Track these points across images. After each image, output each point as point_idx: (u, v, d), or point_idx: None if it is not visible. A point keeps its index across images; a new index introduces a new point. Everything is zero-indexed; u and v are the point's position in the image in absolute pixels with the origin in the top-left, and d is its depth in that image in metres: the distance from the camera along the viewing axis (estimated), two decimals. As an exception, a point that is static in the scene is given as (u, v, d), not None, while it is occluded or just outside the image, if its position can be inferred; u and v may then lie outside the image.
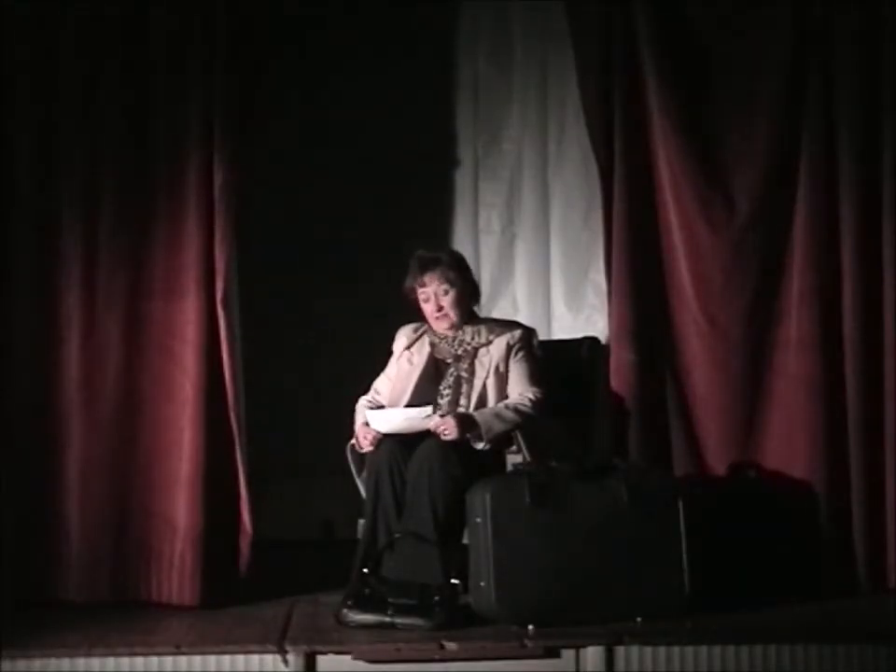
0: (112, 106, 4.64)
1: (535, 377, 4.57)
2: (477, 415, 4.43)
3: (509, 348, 4.58)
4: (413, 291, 4.64)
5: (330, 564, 4.83)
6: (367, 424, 4.49)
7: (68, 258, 4.61)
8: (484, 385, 4.55)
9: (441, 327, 4.64)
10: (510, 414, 4.45)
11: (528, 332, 4.68)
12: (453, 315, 4.61)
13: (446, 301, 4.60)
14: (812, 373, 4.71)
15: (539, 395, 4.51)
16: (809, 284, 4.72)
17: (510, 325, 4.70)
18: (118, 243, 4.62)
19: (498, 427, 4.42)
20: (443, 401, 4.54)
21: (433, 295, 4.61)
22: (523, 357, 4.59)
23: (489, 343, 4.60)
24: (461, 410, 4.48)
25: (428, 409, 4.47)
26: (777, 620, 4.27)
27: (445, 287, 4.60)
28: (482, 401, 4.52)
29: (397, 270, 4.75)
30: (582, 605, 4.13)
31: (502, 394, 4.55)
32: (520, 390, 4.54)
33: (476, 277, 4.78)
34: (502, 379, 4.57)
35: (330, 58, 5.62)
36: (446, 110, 5.73)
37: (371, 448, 4.43)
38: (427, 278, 4.60)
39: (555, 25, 5.26)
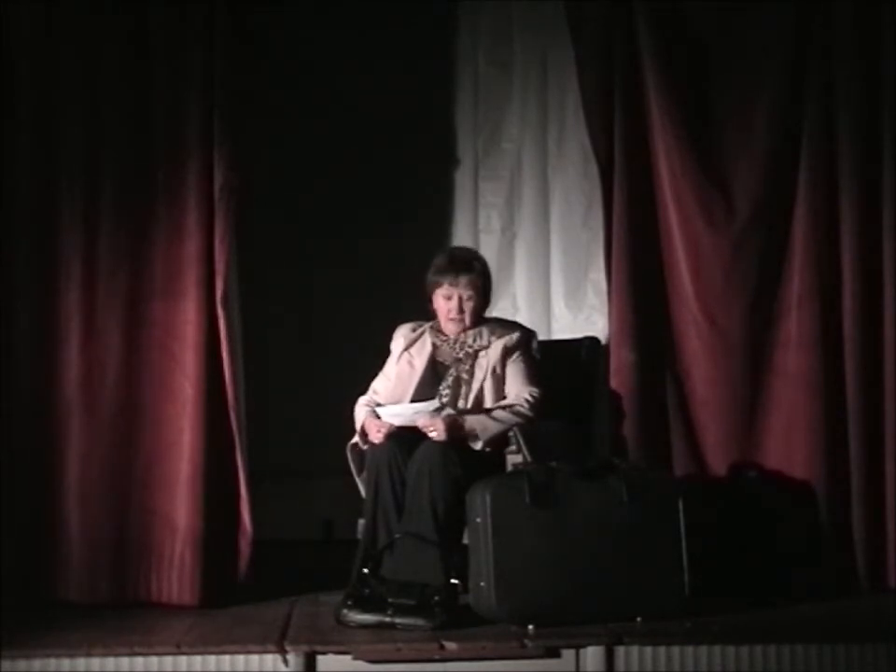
0: (112, 107, 4.65)
1: (532, 378, 4.57)
2: (467, 417, 4.43)
3: (505, 350, 4.58)
4: (438, 285, 4.62)
5: (330, 564, 4.83)
6: (377, 417, 4.48)
7: (68, 258, 4.61)
8: (482, 388, 4.55)
9: (450, 328, 4.64)
10: (504, 415, 4.45)
11: (527, 334, 4.68)
12: (468, 322, 4.62)
13: (468, 307, 4.61)
14: (812, 373, 4.71)
15: (535, 395, 4.51)
16: (809, 284, 4.73)
17: (510, 327, 4.69)
18: (118, 243, 4.62)
19: (493, 427, 4.42)
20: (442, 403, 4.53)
21: (458, 298, 4.60)
22: (520, 358, 4.59)
23: (489, 345, 4.60)
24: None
25: (436, 402, 4.48)
26: (777, 620, 4.27)
27: (471, 293, 4.60)
28: (478, 403, 4.52)
29: (397, 269, 4.74)
30: (582, 605, 4.12)
31: (499, 396, 4.55)
32: (517, 391, 4.54)
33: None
34: (499, 381, 4.57)
35: (330, 57, 5.61)
36: (446, 110, 5.73)
37: (383, 440, 4.41)
38: (461, 279, 4.58)
39: (555, 25, 5.25)
